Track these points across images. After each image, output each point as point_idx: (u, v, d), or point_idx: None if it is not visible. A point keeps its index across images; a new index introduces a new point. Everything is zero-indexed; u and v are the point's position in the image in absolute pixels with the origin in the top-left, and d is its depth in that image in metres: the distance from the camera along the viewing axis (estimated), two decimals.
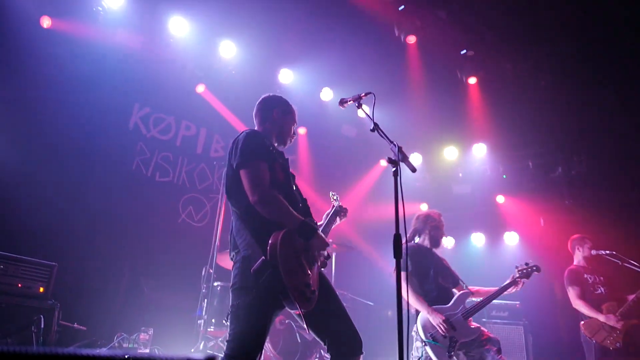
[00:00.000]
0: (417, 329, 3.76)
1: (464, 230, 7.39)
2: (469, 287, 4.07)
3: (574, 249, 5.26)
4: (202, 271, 5.01)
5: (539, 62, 6.60)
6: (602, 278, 4.99)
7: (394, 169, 2.08)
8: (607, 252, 4.85)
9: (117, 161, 5.64)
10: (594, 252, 4.97)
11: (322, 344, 2.30)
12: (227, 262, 5.23)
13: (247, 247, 2.25)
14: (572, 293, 4.95)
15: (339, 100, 2.59)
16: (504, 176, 7.49)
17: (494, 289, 3.99)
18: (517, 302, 5.93)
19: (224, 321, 4.34)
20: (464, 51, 6.38)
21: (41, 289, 3.57)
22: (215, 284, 4.91)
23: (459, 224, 7.46)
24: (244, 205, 2.31)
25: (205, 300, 4.85)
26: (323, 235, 2.37)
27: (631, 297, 4.69)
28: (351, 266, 6.87)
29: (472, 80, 6.84)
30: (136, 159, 5.84)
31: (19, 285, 3.43)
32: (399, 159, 2.08)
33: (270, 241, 2.15)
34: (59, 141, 5.17)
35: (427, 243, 4.21)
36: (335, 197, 2.91)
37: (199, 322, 4.83)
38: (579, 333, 4.94)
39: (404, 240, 2.03)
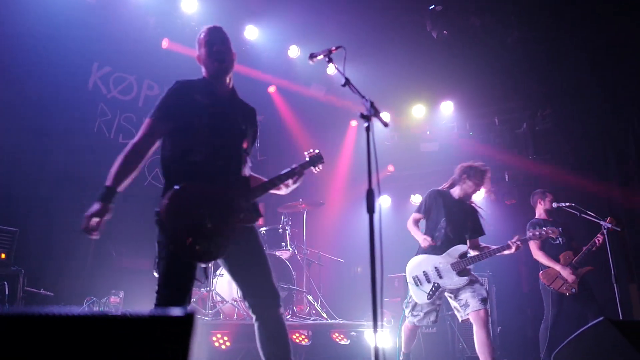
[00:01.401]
0: (406, 270, 4.03)
1: (433, 187, 7.50)
2: (481, 244, 4.18)
3: (535, 202, 5.45)
4: None
5: (506, 18, 6.59)
6: (560, 229, 5.20)
7: (366, 124, 2.06)
8: (567, 204, 5.04)
9: (78, 123, 5.44)
10: (554, 204, 5.16)
11: (241, 294, 2.41)
12: None
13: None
14: (532, 245, 5.16)
15: (308, 54, 2.51)
16: (471, 133, 7.60)
17: (493, 247, 4.09)
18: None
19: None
20: (432, 6, 6.30)
21: (2, 255, 3.50)
22: None
23: (428, 181, 7.57)
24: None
25: None
26: (246, 193, 2.41)
27: (585, 247, 4.94)
28: (321, 223, 6.95)
29: (441, 37, 6.78)
30: (98, 120, 5.64)
31: None
32: (371, 113, 2.06)
33: (165, 195, 2.29)
34: (14, 102, 4.93)
35: (457, 193, 4.20)
36: (310, 154, 2.68)
37: None
38: (538, 282, 5.20)
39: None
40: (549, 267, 5.00)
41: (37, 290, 4.26)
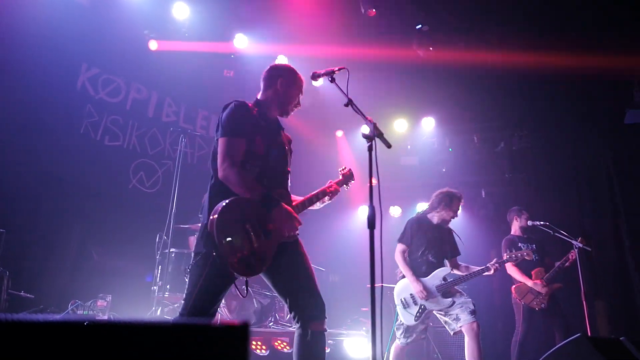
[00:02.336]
0: (394, 293, 4.22)
1: (411, 200, 7.69)
2: (459, 263, 4.42)
3: (512, 219, 5.67)
4: (157, 238, 4.99)
5: (489, 41, 6.86)
6: (534, 246, 5.44)
7: (368, 144, 2.17)
8: (542, 222, 5.27)
9: (65, 123, 5.40)
10: (530, 222, 5.38)
11: (286, 306, 2.43)
12: (183, 231, 5.24)
13: (205, 214, 2.38)
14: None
15: (311, 74, 2.62)
16: (450, 149, 7.82)
17: (474, 269, 4.33)
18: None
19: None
20: (420, 26, 6.51)
21: None
22: (170, 250, 4.91)
23: (406, 193, 7.78)
24: (216, 174, 2.42)
25: (160, 266, 4.86)
26: (289, 208, 2.42)
27: (557, 263, 5.18)
28: (303, 231, 7.01)
29: (426, 55, 7.00)
30: (84, 121, 5.61)
31: None
32: (374, 135, 2.18)
33: (213, 210, 2.25)
34: (2, 97, 4.87)
35: (435, 220, 4.41)
36: (342, 171, 2.87)
37: (153, 288, 4.85)
38: (509, 296, 5.41)
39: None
40: (521, 283, 5.20)
41: (17, 292, 4.21)
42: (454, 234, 4.54)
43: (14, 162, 4.94)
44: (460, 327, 4.03)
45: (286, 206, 2.41)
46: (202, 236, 2.34)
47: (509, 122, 7.57)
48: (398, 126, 7.99)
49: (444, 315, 4.17)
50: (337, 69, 2.59)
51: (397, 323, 4.25)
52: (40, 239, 5.12)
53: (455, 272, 4.33)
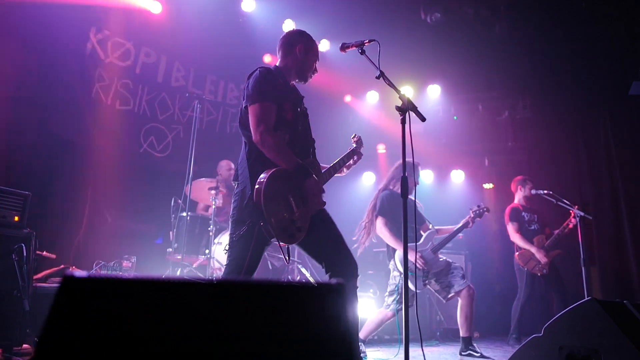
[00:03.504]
0: (395, 263, 4.23)
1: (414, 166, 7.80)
2: (435, 227, 4.53)
3: (516, 188, 5.82)
4: (171, 201, 5.09)
5: (497, 8, 6.83)
6: (536, 215, 5.62)
7: (401, 117, 2.26)
8: (545, 191, 5.42)
9: (77, 87, 5.40)
10: (533, 191, 5.54)
11: (321, 267, 2.55)
12: (196, 193, 5.34)
13: (243, 181, 2.46)
14: (510, 228, 5.56)
15: (340, 45, 2.66)
16: (455, 117, 7.89)
17: (451, 227, 4.52)
18: (460, 235, 6.53)
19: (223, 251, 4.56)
20: None
21: (16, 218, 3.55)
22: (184, 214, 5.03)
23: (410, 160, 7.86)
24: (250, 141, 2.47)
25: (175, 229, 4.98)
26: (318, 182, 2.52)
27: (557, 231, 5.37)
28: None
29: (433, 21, 6.97)
30: (95, 85, 5.60)
31: None
32: (408, 107, 2.26)
33: (257, 181, 2.32)
34: (12, 67, 4.85)
35: (398, 189, 4.51)
36: (354, 139, 2.96)
37: (168, 250, 4.99)
38: (512, 262, 5.63)
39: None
40: (524, 249, 5.40)
41: (39, 252, 4.32)
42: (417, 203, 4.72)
43: (29, 127, 4.97)
44: (454, 292, 4.22)
45: (315, 178, 2.49)
46: (245, 205, 2.39)
47: (513, 91, 7.63)
48: (406, 92, 8.00)
49: (436, 283, 4.33)
50: (367, 41, 2.64)
51: (389, 290, 4.32)
52: (55, 201, 5.20)
53: (437, 235, 4.55)
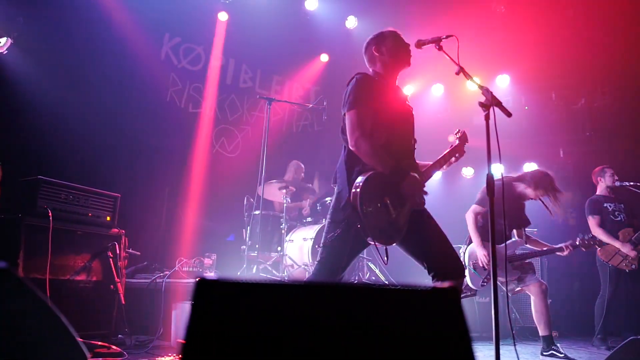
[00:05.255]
0: (464, 254, 4.16)
1: (484, 161, 7.57)
2: (529, 236, 4.42)
3: (596, 180, 5.51)
4: (244, 200, 5.26)
5: None
6: (622, 205, 5.29)
7: (485, 112, 2.21)
8: (631, 183, 5.10)
9: (152, 92, 5.70)
10: (617, 183, 5.22)
11: (423, 267, 2.52)
12: (268, 193, 5.48)
13: (341, 184, 2.51)
14: (591, 222, 5.26)
15: (415, 41, 2.64)
16: (526, 107, 7.57)
17: (547, 245, 4.39)
18: (535, 230, 6.27)
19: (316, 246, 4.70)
20: None
21: (108, 218, 3.81)
22: (257, 212, 5.18)
23: (479, 154, 7.63)
24: (348, 145, 2.53)
25: (248, 227, 5.14)
26: (418, 177, 2.52)
27: None
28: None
29: (502, 9, 6.73)
30: (169, 90, 5.89)
31: (89, 214, 3.66)
32: (492, 103, 2.21)
33: (354, 184, 2.38)
34: (93, 74, 5.19)
35: (518, 190, 4.38)
36: (457, 135, 2.90)
37: (242, 247, 5.16)
38: (591, 257, 5.33)
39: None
40: (608, 244, 5.10)
41: (127, 250, 4.62)
42: (525, 205, 4.50)
43: (110, 131, 5.30)
44: (522, 287, 4.10)
45: (414, 176, 2.49)
46: (343, 206, 2.44)
47: (588, 79, 7.20)
48: (471, 85, 7.77)
49: (504, 277, 4.19)
50: (444, 36, 2.59)
51: None
52: (136, 202, 5.52)
53: (527, 245, 4.36)
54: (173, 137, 5.82)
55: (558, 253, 4.33)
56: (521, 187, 4.37)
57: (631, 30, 6.51)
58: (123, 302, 3.43)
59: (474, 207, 4.33)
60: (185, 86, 6.03)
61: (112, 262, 3.53)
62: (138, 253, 4.77)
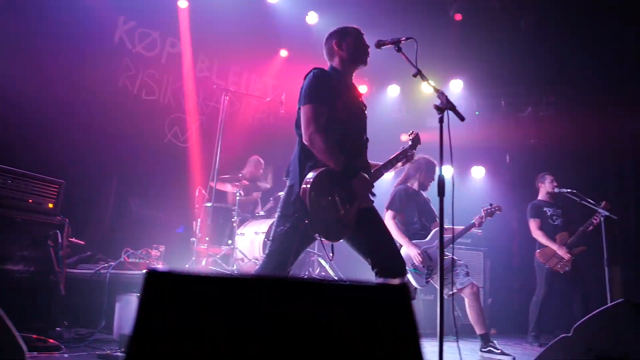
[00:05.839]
0: None
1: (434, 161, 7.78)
2: (445, 225, 4.58)
3: (538, 185, 5.80)
4: (196, 192, 5.16)
5: (523, 3, 6.76)
6: (560, 211, 5.59)
7: (439, 115, 2.27)
8: (568, 190, 5.39)
9: (104, 76, 5.47)
10: (556, 190, 5.51)
11: (368, 263, 2.57)
12: (222, 186, 5.40)
13: (293, 178, 2.52)
14: (532, 224, 5.53)
15: (375, 41, 2.67)
16: (477, 112, 7.84)
17: (461, 227, 4.58)
18: (480, 231, 6.52)
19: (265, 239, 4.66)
20: None
21: (50, 205, 3.63)
22: (209, 204, 5.09)
23: (430, 156, 7.85)
24: (302, 140, 2.53)
25: (199, 219, 5.05)
26: (368, 177, 2.56)
27: (581, 228, 5.33)
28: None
29: (458, 16, 6.93)
30: (122, 75, 5.68)
31: (30, 200, 3.48)
32: (446, 107, 2.26)
33: (305, 180, 2.40)
34: (43, 55, 4.93)
35: (415, 186, 4.58)
36: (411, 136, 2.95)
37: (192, 239, 5.07)
38: (531, 259, 5.61)
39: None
40: (546, 247, 5.38)
41: (69, 239, 4.42)
42: (430, 201, 4.72)
43: (57, 116, 5.06)
44: (457, 290, 4.23)
45: (365, 176, 2.53)
46: (293, 201, 2.46)
47: (536, 88, 7.55)
48: (425, 87, 7.97)
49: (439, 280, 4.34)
50: (404, 38, 2.64)
51: None
52: (82, 189, 5.30)
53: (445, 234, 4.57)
54: (124, 123, 5.61)
55: (473, 229, 4.62)
56: (414, 183, 4.62)
57: (576, 44, 6.87)
58: (63, 293, 3.28)
59: (389, 213, 4.47)
60: (139, 72, 5.83)
61: (52, 252, 3.37)
62: (82, 242, 4.58)
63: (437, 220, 4.55)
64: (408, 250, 4.31)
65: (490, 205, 4.62)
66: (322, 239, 2.43)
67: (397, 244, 4.41)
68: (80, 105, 5.20)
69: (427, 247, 4.37)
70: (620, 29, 6.53)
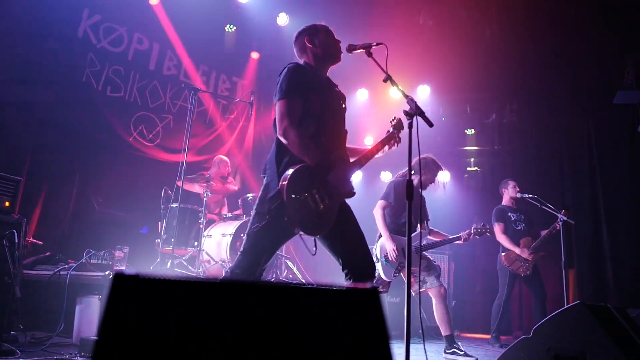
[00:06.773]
0: (375, 248, 4.30)
1: (402, 167, 7.89)
2: (431, 228, 4.62)
3: (502, 190, 5.95)
4: (161, 192, 5.06)
5: (489, 11, 6.94)
6: (523, 216, 5.76)
7: (408, 121, 2.30)
8: (529, 195, 5.56)
9: (67, 71, 5.29)
10: (519, 195, 5.68)
11: (339, 263, 2.55)
12: (189, 186, 5.31)
13: (270, 175, 2.50)
14: (496, 228, 5.68)
15: (346, 46, 2.68)
16: (443, 118, 7.99)
17: (446, 235, 4.67)
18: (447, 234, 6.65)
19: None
20: None
21: (7, 203, 3.48)
22: (174, 205, 5.00)
23: (397, 159, 7.95)
24: (277, 136, 2.52)
25: (164, 220, 4.95)
26: (345, 170, 2.56)
27: (544, 232, 5.51)
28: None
29: (427, 22, 7.06)
30: (86, 70, 5.51)
31: None
32: (415, 112, 2.29)
33: (282, 177, 2.38)
34: (1, 46, 4.73)
35: (415, 182, 4.55)
36: (393, 122, 2.91)
37: (157, 240, 4.96)
38: (494, 262, 5.76)
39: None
40: (510, 250, 5.53)
41: (27, 238, 4.26)
42: (425, 200, 4.77)
43: (15, 110, 4.87)
44: (426, 289, 4.31)
45: (341, 171, 2.52)
46: (271, 197, 2.43)
47: (499, 95, 7.76)
48: (394, 92, 8.08)
49: (411, 276, 4.42)
50: (375, 43, 2.66)
51: None
52: (42, 187, 5.12)
53: (429, 237, 4.64)
54: (87, 120, 5.45)
55: (457, 242, 4.67)
56: (415, 180, 4.63)
57: (538, 55, 7.10)
58: (18, 295, 3.15)
59: (380, 203, 4.49)
60: (105, 68, 5.67)
61: (8, 252, 3.23)
62: (40, 242, 4.44)
63: (425, 223, 4.64)
64: (385, 243, 4.34)
65: (482, 225, 4.70)
66: (302, 234, 2.41)
67: (378, 235, 4.46)
68: (40, 100, 5.01)
69: (404, 245, 4.39)
70: (581, 40, 6.79)
